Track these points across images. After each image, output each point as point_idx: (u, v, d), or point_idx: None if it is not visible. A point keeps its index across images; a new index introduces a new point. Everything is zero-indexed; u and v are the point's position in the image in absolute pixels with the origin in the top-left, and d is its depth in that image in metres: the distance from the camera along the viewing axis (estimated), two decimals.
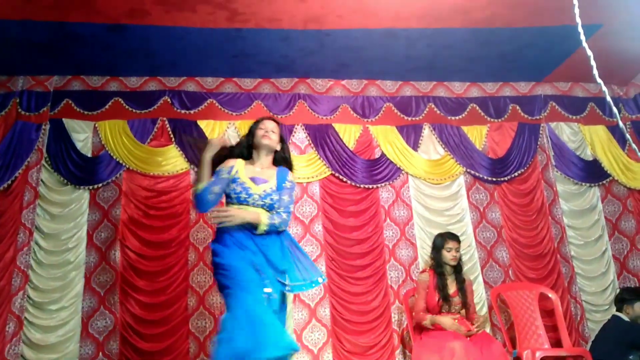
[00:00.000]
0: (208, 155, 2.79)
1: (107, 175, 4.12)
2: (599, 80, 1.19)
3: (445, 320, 3.59)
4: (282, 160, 2.93)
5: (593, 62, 1.21)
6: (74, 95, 4.31)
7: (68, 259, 3.90)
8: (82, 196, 4.09)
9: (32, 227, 3.94)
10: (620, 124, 1.39)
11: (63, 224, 3.99)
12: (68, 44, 3.90)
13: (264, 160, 2.87)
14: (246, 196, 2.69)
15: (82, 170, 4.09)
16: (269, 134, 2.86)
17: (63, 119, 4.21)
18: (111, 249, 3.98)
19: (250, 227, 2.62)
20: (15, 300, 3.75)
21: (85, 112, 4.26)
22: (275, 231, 2.68)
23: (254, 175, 2.78)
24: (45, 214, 4.00)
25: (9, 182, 3.95)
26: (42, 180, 4.06)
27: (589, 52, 1.23)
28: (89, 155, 4.18)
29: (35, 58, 4.09)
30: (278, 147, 2.92)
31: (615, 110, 1.40)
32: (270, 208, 2.70)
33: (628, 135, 4.86)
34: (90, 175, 4.10)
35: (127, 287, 3.88)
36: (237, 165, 2.80)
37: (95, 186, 4.10)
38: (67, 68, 4.28)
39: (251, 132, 2.94)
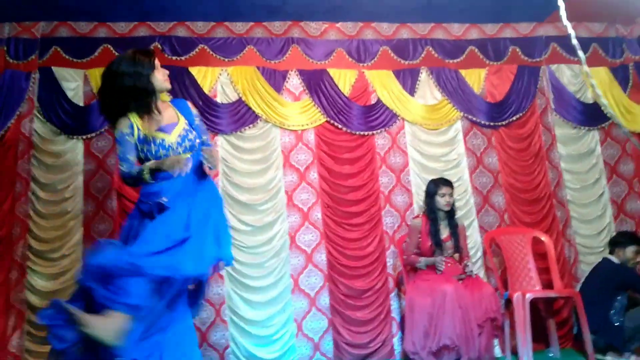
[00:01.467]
0: None
1: (100, 125, 4.07)
2: (565, 22, 1.13)
3: (437, 258, 3.69)
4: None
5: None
6: (62, 42, 4.20)
7: (66, 209, 3.94)
8: (76, 146, 4.07)
9: (28, 177, 3.95)
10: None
11: (58, 174, 4.00)
12: None
13: (160, 103, 2.56)
14: (165, 151, 2.45)
15: (74, 119, 4.05)
16: (166, 76, 2.60)
17: (52, 67, 4.13)
18: (108, 198, 4.01)
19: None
20: (17, 249, 3.83)
21: (75, 60, 4.17)
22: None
23: (160, 124, 2.51)
24: (40, 164, 4.00)
25: (2, 132, 3.93)
26: (35, 130, 4.04)
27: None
28: (81, 104, 4.12)
29: (20, 4, 3.96)
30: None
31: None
32: (191, 149, 2.50)
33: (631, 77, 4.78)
34: (83, 124, 4.06)
35: None
36: (135, 121, 2.49)
37: (89, 135, 4.07)
38: (54, 13, 4.15)
39: (144, 80, 2.48)
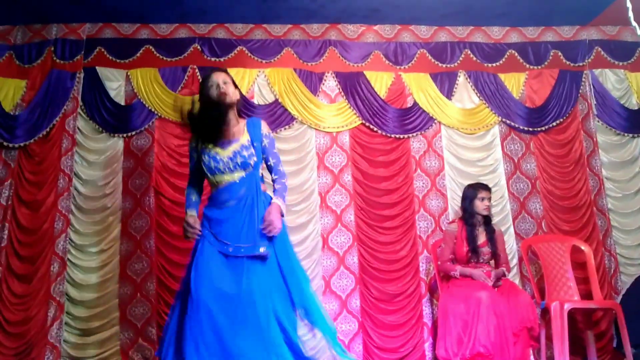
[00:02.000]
0: None
1: (140, 124, 4.18)
2: (634, 23, 1.11)
3: (475, 271, 3.61)
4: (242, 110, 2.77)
5: (629, 4, 1.12)
6: (106, 43, 4.33)
7: (105, 204, 4.05)
8: (117, 144, 4.18)
9: (70, 173, 4.08)
10: None
11: (99, 170, 4.12)
12: None
13: (228, 119, 2.59)
14: (215, 164, 2.53)
15: (116, 118, 4.17)
16: (226, 88, 2.58)
17: (97, 67, 4.26)
18: (146, 196, 4.10)
19: None
20: (59, 242, 3.95)
21: (118, 60, 4.29)
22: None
23: (221, 141, 2.58)
24: (82, 161, 4.13)
25: (48, 129, 4.07)
26: (78, 128, 4.17)
27: None
28: (122, 103, 4.24)
29: (67, 5, 4.10)
30: (237, 97, 2.67)
31: None
32: (243, 166, 2.53)
33: None
34: (124, 123, 4.17)
35: (162, 232, 4.01)
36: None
37: (129, 134, 4.18)
38: (99, 15, 4.29)
39: (203, 94, 2.62)
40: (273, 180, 2.69)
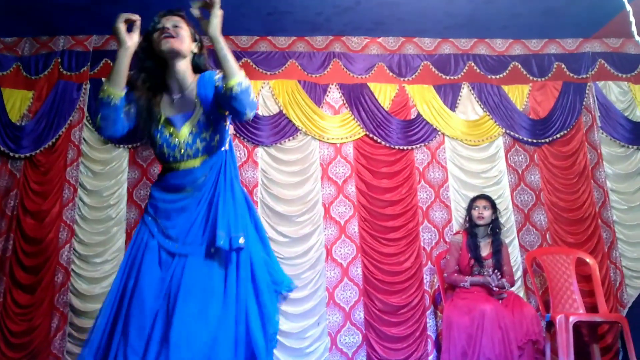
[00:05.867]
0: (125, 42, 1.80)
1: None
2: (637, 37, 1.12)
3: (486, 278, 3.60)
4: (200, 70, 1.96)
5: (632, 19, 1.13)
6: (113, 55, 4.25)
7: (110, 215, 4.07)
8: (122, 154, 4.21)
9: (76, 183, 4.11)
10: None
11: (104, 181, 4.14)
12: (103, 3, 3.93)
13: (181, 76, 1.90)
14: (170, 151, 1.87)
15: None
16: (171, 31, 1.86)
17: (103, 79, 4.29)
18: None
19: None
20: (63, 253, 3.96)
21: None
22: None
23: (171, 113, 1.89)
24: (87, 172, 4.16)
25: (54, 140, 4.11)
26: (84, 138, 4.21)
27: (629, 8, 1.14)
28: None
29: (74, 18, 4.15)
30: (194, 50, 1.94)
31: None
32: (207, 151, 1.87)
33: None
34: (129, 134, 4.17)
35: None
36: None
37: (135, 145, 4.20)
38: (105, 28, 4.32)
39: (147, 40, 1.91)
40: None
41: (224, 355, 1.69)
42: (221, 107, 1.87)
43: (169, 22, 1.89)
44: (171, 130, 1.87)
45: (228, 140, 1.96)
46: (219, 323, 1.71)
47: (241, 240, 1.78)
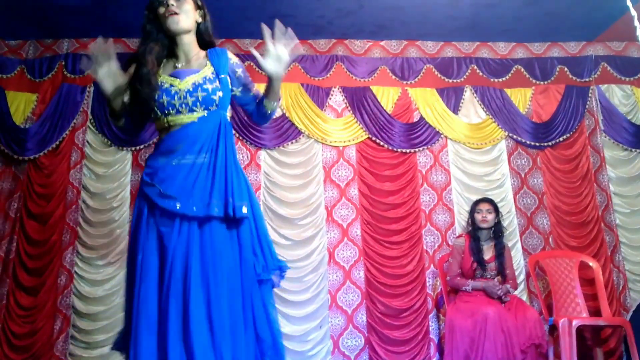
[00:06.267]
0: (104, 81, 1.96)
1: (149, 137, 4.21)
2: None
3: (488, 284, 3.60)
4: (206, 43, 2.02)
5: (637, 23, 1.13)
6: (117, 57, 4.37)
7: (113, 217, 4.07)
8: (125, 157, 4.22)
9: (79, 186, 4.12)
10: None
11: (108, 183, 4.15)
12: (107, 5, 3.95)
13: (187, 48, 1.96)
14: (169, 98, 1.86)
15: (124, 132, 4.21)
16: (172, 9, 1.89)
17: None
18: None
19: None
20: (66, 255, 3.97)
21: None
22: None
23: (176, 70, 1.94)
24: (91, 174, 4.17)
25: (57, 142, 4.12)
26: (87, 141, 4.22)
27: (633, 12, 1.14)
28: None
29: (79, 21, 4.17)
30: (198, 19, 2.00)
31: None
32: (205, 103, 1.87)
33: None
34: (133, 136, 4.20)
35: None
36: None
37: (138, 147, 4.22)
38: (109, 31, 4.33)
39: (153, 17, 1.95)
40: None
41: (239, 335, 1.71)
42: (239, 97, 2.05)
43: None
44: (172, 81, 1.90)
45: (229, 110, 2.00)
46: (231, 300, 1.72)
47: (244, 210, 1.77)
